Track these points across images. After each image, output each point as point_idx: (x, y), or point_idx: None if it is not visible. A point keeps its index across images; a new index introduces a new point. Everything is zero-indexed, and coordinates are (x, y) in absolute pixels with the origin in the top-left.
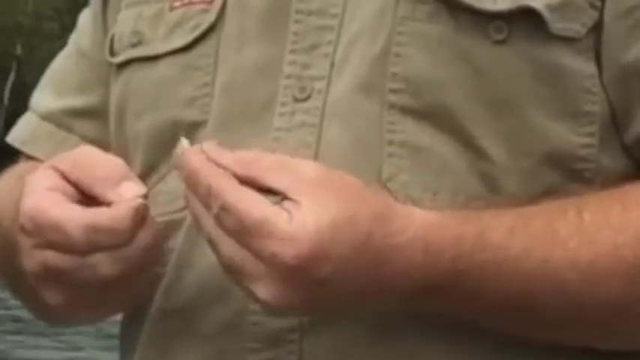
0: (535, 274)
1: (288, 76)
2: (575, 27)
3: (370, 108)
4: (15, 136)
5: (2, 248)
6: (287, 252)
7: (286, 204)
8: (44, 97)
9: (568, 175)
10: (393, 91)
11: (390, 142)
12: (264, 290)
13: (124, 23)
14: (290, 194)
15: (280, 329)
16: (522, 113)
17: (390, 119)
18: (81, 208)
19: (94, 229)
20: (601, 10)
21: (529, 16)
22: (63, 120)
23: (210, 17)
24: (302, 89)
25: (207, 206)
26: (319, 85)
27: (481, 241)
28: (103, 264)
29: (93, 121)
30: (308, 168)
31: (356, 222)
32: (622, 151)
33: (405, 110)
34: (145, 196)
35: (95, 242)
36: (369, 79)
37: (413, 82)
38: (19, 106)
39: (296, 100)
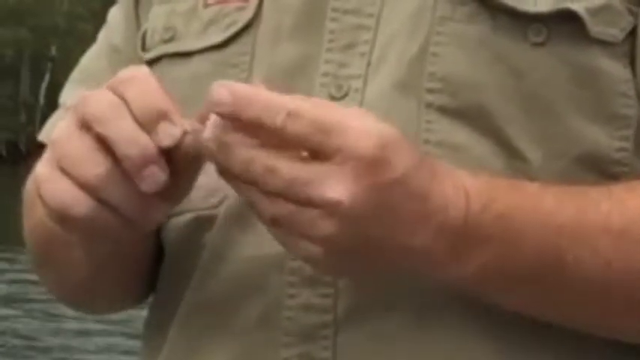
0: (568, 229)
1: (325, 74)
2: (614, 31)
3: (407, 107)
4: (46, 134)
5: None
6: (366, 143)
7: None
8: (75, 93)
9: (602, 178)
10: (430, 90)
11: (426, 141)
12: (337, 189)
13: (156, 19)
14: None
15: (314, 324)
16: (558, 115)
17: (426, 118)
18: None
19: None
20: (637, 16)
21: (569, 18)
22: None
23: (247, 15)
24: (338, 87)
25: (270, 120)
26: (356, 83)
27: (516, 186)
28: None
29: None
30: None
31: (410, 147)
32: None
33: (441, 110)
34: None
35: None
36: (406, 78)
37: (450, 81)
38: (54, 106)
39: (332, 98)
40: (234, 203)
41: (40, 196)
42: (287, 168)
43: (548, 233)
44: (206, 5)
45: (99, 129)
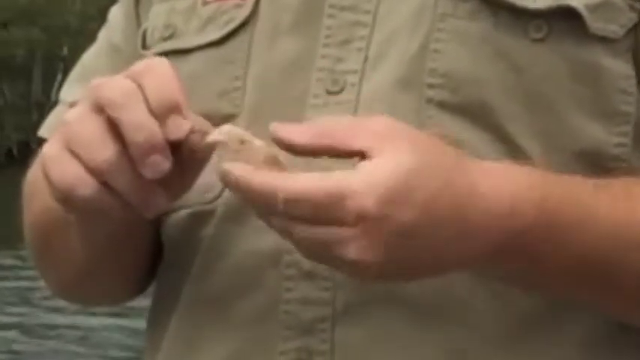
0: (620, 230)
1: (321, 69)
2: (614, 28)
3: (407, 102)
4: (45, 129)
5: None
6: (367, 202)
7: (360, 164)
8: (75, 91)
9: (601, 173)
10: (431, 86)
11: None
12: (356, 252)
13: (156, 17)
14: (369, 152)
15: (312, 318)
16: (558, 111)
17: (427, 114)
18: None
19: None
20: (639, 12)
21: (568, 15)
22: None
23: (244, 12)
24: (335, 82)
25: (271, 207)
26: (352, 78)
27: (570, 196)
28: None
29: None
30: (379, 122)
31: (436, 170)
32: None
33: (442, 105)
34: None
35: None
36: (407, 74)
37: (451, 77)
38: None
39: (329, 92)
40: (230, 198)
41: (47, 176)
42: (306, 236)
43: (599, 242)
44: (205, 3)
45: (111, 112)
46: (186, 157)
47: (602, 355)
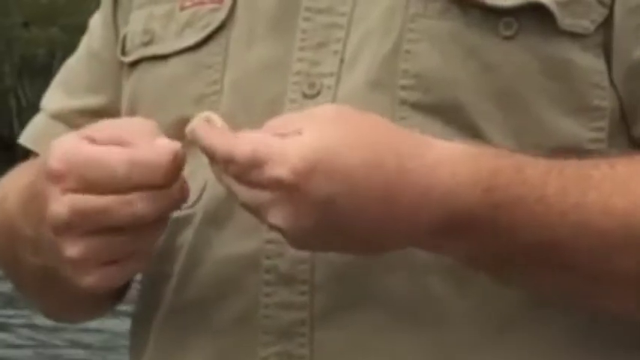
0: (570, 216)
1: (297, 73)
2: (584, 23)
3: (381, 104)
4: (26, 137)
5: (7, 232)
6: (282, 170)
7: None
8: (55, 98)
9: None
10: (404, 87)
11: None
12: (277, 217)
13: (135, 23)
14: (300, 132)
15: (291, 322)
16: (531, 108)
17: (401, 115)
18: (118, 146)
19: (134, 163)
20: (611, 7)
21: (538, 11)
22: (74, 119)
23: (220, 16)
24: (311, 85)
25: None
26: (328, 81)
27: (519, 175)
28: (140, 202)
29: None
30: (322, 107)
31: (364, 146)
32: (631, 146)
33: (416, 106)
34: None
35: (135, 177)
36: (380, 76)
37: (424, 78)
38: None
39: (305, 96)
40: (209, 202)
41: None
42: (245, 198)
43: (548, 223)
44: (183, 8)
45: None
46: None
47: (579, 355)
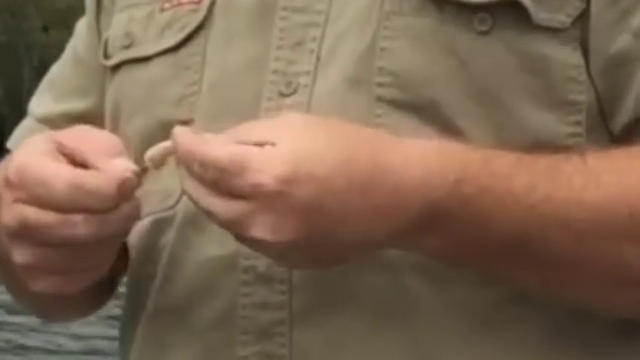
0: (541, 207)
1: (274, 72)
2: (560, 17)
3: (357, 101)
4: (13, 141)
5: None
6: (264, 178)
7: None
8: (42, 102)
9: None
10: (381, 84)
11: None
12: (260, 229)
13: (116, 26)
14: (272, 139)
15: (269, 322)
16: (508, 104)
17: (377, 112)
18: (69, 167)
19: (77, 187)
20: (587, 1)
21: (512, 7)
22: (60, 123)
23: (198, 17)
24: (288, 84)
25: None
26: (305, 80)
27: (487, 167)
28: (82, 224)
29: (89, 125)
30: (289, 117)
31: (337, 145)
32: (609, 140)
33: (392, 103)
34: (136, 174)
35: (77, 201)
36: (356, 74)
37: (400, 75)
38: None
39: (282, 95)
40: (189, 204)
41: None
42: (215, 210)
43: (519, 216)
44: (162, 10)
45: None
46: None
47: (556, 351)
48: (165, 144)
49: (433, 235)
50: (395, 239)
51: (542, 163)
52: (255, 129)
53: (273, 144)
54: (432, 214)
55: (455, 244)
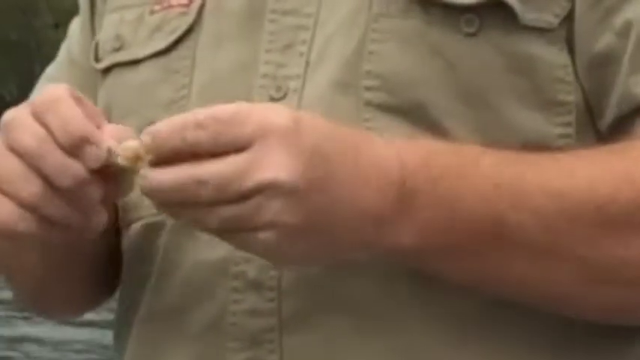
0: (506, 188)
1: (264, 76)
2: (547, 17)
3: (346, 106)
4: None
5: None
6: (274, 117)
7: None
8: None
9: None
10: (369, 88)
11: None
12: (267, 169)
13: (107, 28)
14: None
15: (259, 329)
16: (496, 105)
17: (366, 116)
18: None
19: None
20: (573, 0)
21: (499, 7)
22: None
23: (188, 20)
24: (278, 88)
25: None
26: (294, 84)
27: (452, 147)
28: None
29: None
30: (272, 119)
31: (322, 120)
32: (598, 140)
33: (381, 107)
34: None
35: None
36: (344, 77)
37: (388, 79)
38: None
39: (272, 99)
40: None
41: None
42: (212, 173)
43: (486, 195)
44: (152, 12)
45: (30, 162)
46: (115, 172)
47: (542, 355)
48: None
49: (408, 223)
50: (376, 227)
51: (509, 153)
52: (240, 127)
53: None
54: (405, 197)
55: (428, 235)
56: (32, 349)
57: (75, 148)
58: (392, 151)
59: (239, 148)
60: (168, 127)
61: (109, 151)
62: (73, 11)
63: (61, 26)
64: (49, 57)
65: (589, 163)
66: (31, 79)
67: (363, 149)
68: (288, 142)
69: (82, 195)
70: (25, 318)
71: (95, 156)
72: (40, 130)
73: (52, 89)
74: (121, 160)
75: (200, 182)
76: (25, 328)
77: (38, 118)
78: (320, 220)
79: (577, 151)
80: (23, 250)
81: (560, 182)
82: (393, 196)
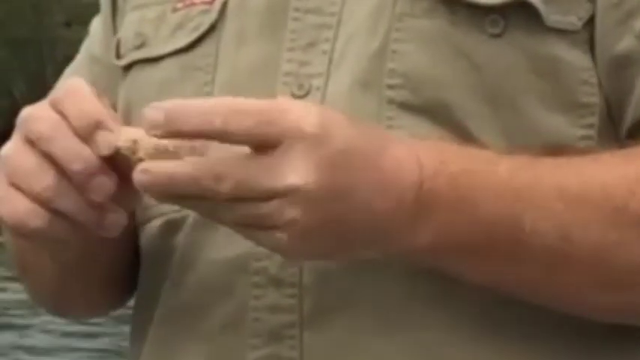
0: (524, 193)
1: (287, 74)
2: (571, 19)
3: (368, 104)
4: None
5: None
6: (306, 122)
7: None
8: None
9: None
10: (391, 87)
11: None
12: (290, 175)
13: (128, 26)
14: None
15: (280, 324)
16: (519, 106)
17: (388, 115)
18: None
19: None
20: (595, 3)
21: (524, 8)
22: None
23: (211, 17)
24: (300, 86)
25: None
26: (317, 81)
27: (468, 151)
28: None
29: None
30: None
31: (353, 120)
32: (619, 142)
33: (403, 106)
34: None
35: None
36: (367, 76)
37: (411, 77)
38: None
39: (294, 97)
40: None
41: None
42: (235, 170)
43: (503, 197)
44: (174, 10)
45: (43, 147)
46: (127, 165)
47: (563, 352)
48: (136, 130)
49: (424, 225)
50: (393, 231)
51: (524, 156)
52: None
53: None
54: (423, 199)
55: (444, 237)
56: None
57: (88, 132)
58: (412, 153)
59: (265, 146)
60: (194, 108)
61: (120, 141)
62: (85, 10)
63: (72, 25)
64: (60, 56)
65: (605, 168)
66: (41, 78)
67: (385, 154)
68: (314, 151)
69: (94, 185)
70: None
71: (107, 142)
72: (55, 117)
73: (71, 82)
74: (122, 144)
75: (219, 178)
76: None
77: (55, 106)
78: (336, 226)
79: (594, 155)
80: (38, 248)
81: (577, 188)
82: (411, 200)
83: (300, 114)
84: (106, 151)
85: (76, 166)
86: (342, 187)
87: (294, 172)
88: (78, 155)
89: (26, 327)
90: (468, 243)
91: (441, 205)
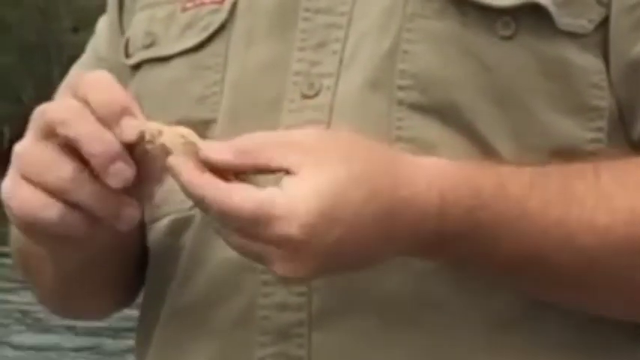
0: (552, 231)
1: (297, 73)
2: (582, 23)
3: (378, 104)
4: None
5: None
6: (291, 229)
7: (284, 180)
8: None
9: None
10: (402, 87)
11: (399, 138)
12: (282, 269)
13: (137, 25)
14: (292, 169)
15: (288, 323)
16: (530, 108)
17: (398, 115)
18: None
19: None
20: (608, 6)
21: (535, 11)
22: None
23: (221, 17)
24: (310, 86)
25: (207, 211)
26: (328, 81)
27: (500, 192)
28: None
29: None
30: (306, 136)
31: (359, 180)
32: (629, 147)
33: (413, 107)
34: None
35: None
36: (377, 76)
37: (421, 78)
38: None
39: (304, 96)
40: None
41: (8, 209)
42: (219, 204)
43: (532, 238)
44: (184, 9)
45: (62, 131)
46: (147, 158)
47: (578, 355)
48: (183, 134)
49: (445, 254)
50: (405, 254)
51: (556, 182)
52: (268, 150)
53: (289, 171)
54: (442, 240)
55: (461, 262)
56: None
57: (112, 118)
58: (433, 204)
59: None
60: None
61: (143, 132)
62: (92, 15)
63: (80, 30)
64: (67, 60)
65: (627, 190)
66: (49, 83)
67: (397, 215)
68: (304, 251)
69: (114, 170)
70: None
71: (130, 128)
72: (77, 104)
73: (92, 73)
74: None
75: (203, 202)
76: None
77: (76, 94)
78: (333, 268)
79: (613, 172)
80: (43, 254)
81: (604, 218)
82: (423, 247)
83: (283, 224)
84: (131, 134)
85: (97, 147)
86: (338, 268)
87: (284, 268)
88: (100, 137)
89: None
90: (486, 273)
91: (461, 246)
